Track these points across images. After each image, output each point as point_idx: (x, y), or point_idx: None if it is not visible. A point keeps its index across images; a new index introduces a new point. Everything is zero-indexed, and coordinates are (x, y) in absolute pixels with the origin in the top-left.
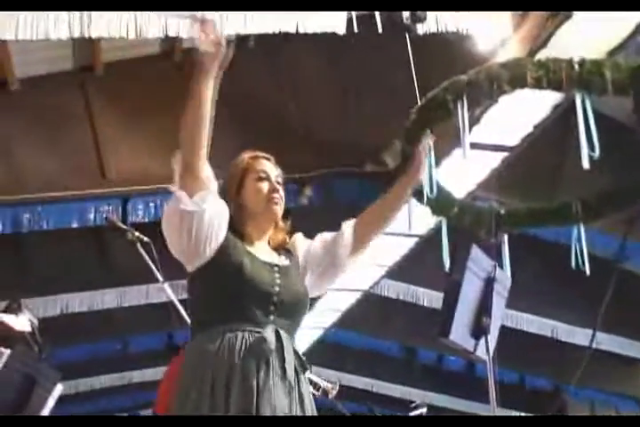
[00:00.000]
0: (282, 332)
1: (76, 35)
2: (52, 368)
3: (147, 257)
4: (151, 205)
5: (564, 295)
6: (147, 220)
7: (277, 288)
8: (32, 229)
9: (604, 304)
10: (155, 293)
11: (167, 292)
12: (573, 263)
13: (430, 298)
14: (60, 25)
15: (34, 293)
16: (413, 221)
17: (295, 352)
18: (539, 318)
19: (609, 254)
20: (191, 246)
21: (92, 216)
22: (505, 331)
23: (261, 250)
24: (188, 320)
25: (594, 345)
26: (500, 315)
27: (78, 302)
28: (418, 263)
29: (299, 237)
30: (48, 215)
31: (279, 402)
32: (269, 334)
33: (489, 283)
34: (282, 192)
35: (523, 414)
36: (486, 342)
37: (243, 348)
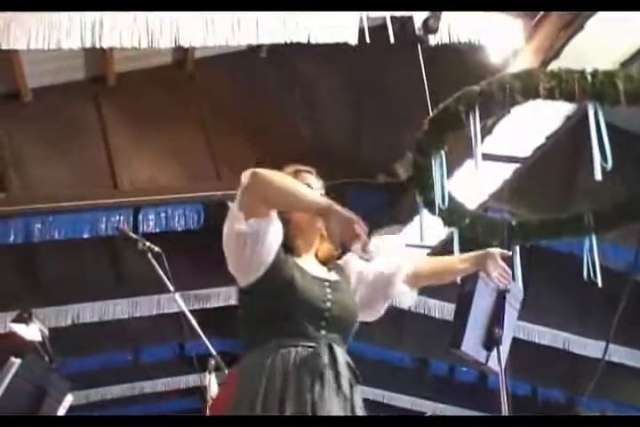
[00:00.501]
0: (335, 346)
1: (88, 45)
2: (62, 378)
3: (158, 267)
4: (162, 215)
5: (575, 307)
6: (158, 230)
7: (329, 303)
8: (43, 238)
9: (617, 316)
10: (166, 303)
11: (178, 302)
12: (585, 275)
13: (442, 309)
14: (72, 35)
15: (45, 303)
16: (425, 232)
17: (348, 365)
18: (550, 330)
19: (621, 266)
20: (245, 264)
21: (103, 226)
22: (516, 343)
23: (310, 264)
24: (200, 332)
25: (606, 357)
26: (512, 327)
27: (89, 312)
28: None
29: (352, 258)
30: (59, 225)
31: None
32: (323, 348)
33: (501, 294)
34: None
35: None
36: (498, 353)
37: (297, 363)
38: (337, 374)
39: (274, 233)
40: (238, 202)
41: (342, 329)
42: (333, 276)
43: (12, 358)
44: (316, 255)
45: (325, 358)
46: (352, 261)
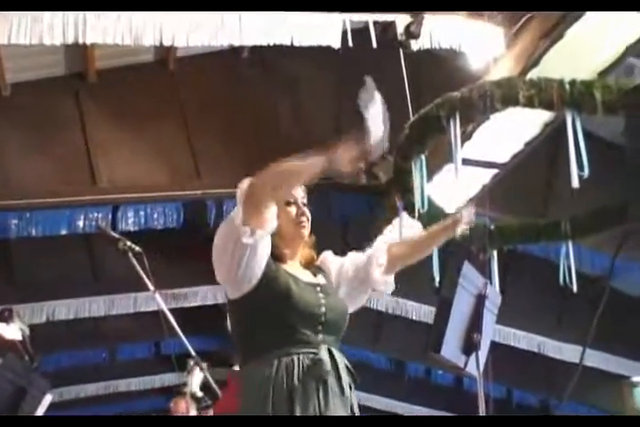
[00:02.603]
0: (333, 350)
1: (71, 41)
2: (42, 378)
3: (138, 267)
4: (141, 213)
5: (551, 312)
6: (136, 228)
7: (323, 308)
8: (20, 235)
9: (594, 322)
10: (143, 301)
11: (158, 301)
12: (561, 280)
13: (420, 312)
14: (54, 30)
15: (20, 299)
16: (404, 234)
17: (347, 368)
18: (526, 334)
19: (597, 272)
20: (239, 276)
21: (81, 223)
22: (493, 346)
23: (299, 270)
24: (179, 331)
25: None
26: (491, 331)
27: (65, 309)
28: (408, 277)
29: (329, 255)
30: (37, 222)
31: None
32: (324, 354)
33: (480, 300)
34: (308, 213)
35: None
36: (477, 358)
37: (301, 371)
38: (339, 379)
39: (267, 245)
40: (241, 215)
41: (336, 332)
42: (321, 280)
43: None
44: (300, 262)
45: (328, 364)
46: (329, 258)
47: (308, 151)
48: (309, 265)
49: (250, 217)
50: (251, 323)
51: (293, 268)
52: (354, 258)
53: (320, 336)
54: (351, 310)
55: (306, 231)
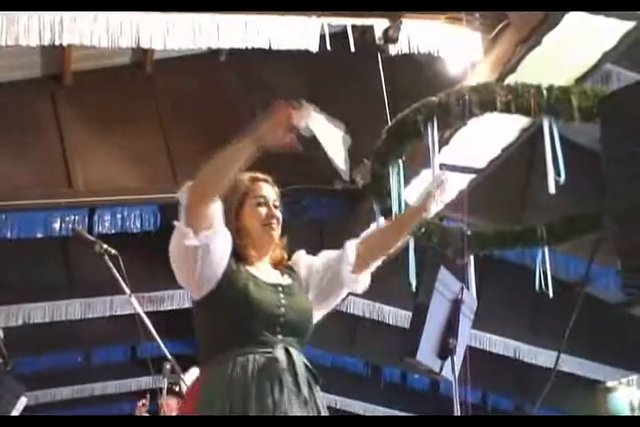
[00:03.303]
0: (291, 349)
1: (47, 42)
2: (16, 381)
3: (114, 270)
4: (118, 216)
5: (527, 317)
6: (113, 231)
7: (283, 309)
8: None
9: (569, 327)
10: (119, 305)
11: (134, 304)
12: (537, 285)
13: (396, 316)
14: (30, 31)
15: None
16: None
17: (306, 366)
18: (502, 339)
19: (572, 277)
20: (197, 278)
21: (57, 226)
22: (468, 350)
23: (263, 271)
24: (155, 335)
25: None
26: (467, 336)
27: (41, 312)
28: (384, 281)
29: (301, 254)
30: (12, 224)
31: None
32: (280, 353)
33: (456, 304)
34: (279, 215)
35: None
36: (452, 363)
37: (256, 370)
38: (295, 377)
39: (222, 245)
40: (184, 218)
41: (298, 332)
42: (286, 280)
43: None
44: (270, 261)
45: (283, 363)
46: (300, 258)
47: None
48: (279, 265)
49: (194, 219)
50: (210, 323)
51: (259, 269)
52: (324, 256)
53: (279, 337)
54: (324, 310)
55: (275, 233)
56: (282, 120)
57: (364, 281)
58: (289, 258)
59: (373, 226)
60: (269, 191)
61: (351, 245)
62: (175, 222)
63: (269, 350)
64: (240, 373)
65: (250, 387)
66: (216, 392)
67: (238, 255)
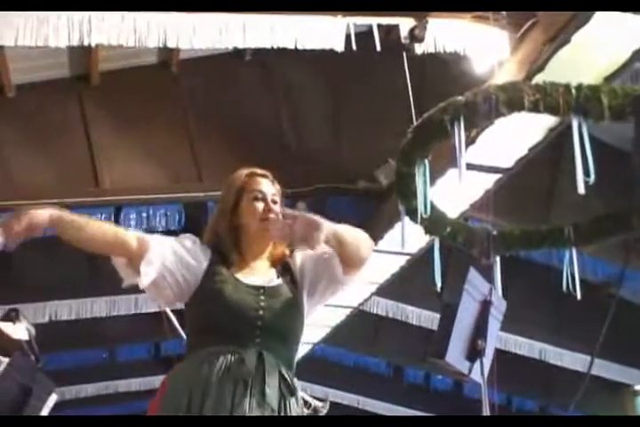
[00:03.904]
0: (266, 354)
1: (76, 42)
2: (47, 378)
3: None
4: (143, 215)
5: (553, 318)
6: (138, 230)
7: (261, 311)
8: None
9: (603, 330)
10: (143, 303)
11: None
12: (564, 287)
13: (419, 317)
14: (59, 32)
15: (23, 299)
16: (407, 239)
17: (281, 375)
18: (527, 340)
19: (600, 279)
20: (178, 296)
21: None
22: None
23: (254, 271)
24: (181, 332)
25: (581, 369)
26: (495, 338)
27: (67, 309)
28: (408, 282)
29: (301, 250)
30: None
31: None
32: (250, 355)
33: (485, 306)
34: (277, 210)
35: None
36: (481, 365)
37: (221, 370)
38: (263, 383)
39: (174, 258)
40: (123, 275)
41: (279, 336)
42: (275, 281)
43: (0, 357)
44: (270, 257)
45: (250, 366)
46: (297, 254)
47: None
48: (279, 261)
49: (134, 265)
50: (192, 325)
51: (247, 270)
52: (321, 251)
53: (257, 340)
54: (321, 303)
55: (272, 228)
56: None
57: (361, 279)
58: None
59: (398, 226)
60: (267, 186)
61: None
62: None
63: (241, 351)
64: (206, 370)
65: (211, 384)
66: (179, 386)
67: (224, 258)
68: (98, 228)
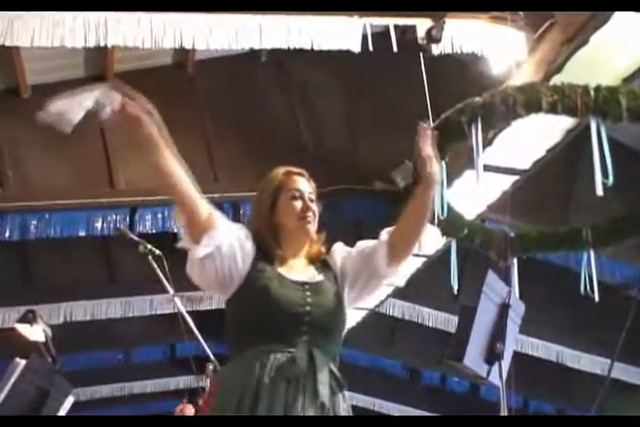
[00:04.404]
0: (316, 351)
1: (92, 43)
2: (65, 379)
3: (158, 270)
4: (159, 216)
5: (570, 321)
6: (154, 231)
7: (308, 307)
8: (39, 236)
9: (624, 333)
10: (159, 304)
11: (177, 304)
12: (582, 289)
13: (435, 318)
14: (75, 33)
15: (38, 300)
16: (423, 240)
17: (331, 371)
18: (544, 343)
19: (617, 281)
20: (219, 283)
21: (99, 225)
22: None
23: (295, 268)
24: (197, 334)
25: (599, 372)
26: (513, 341)
27: (82, 310)
28: (424, 283)
29: (337, 247)
30: (55, 223)
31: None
32: (301, 354)
33: (503, 309)
34: (315, 209)
35: None
36: (499, 368)
37: (273, 369)
38: (315, 381)
39: (236, 242)
40: (184, 238)
41: (326, 332)
42: (317, 277)
43: (17, 359)
44: (307, 257)
45: (302, 364)
46: (337, 251)
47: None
48: (317, 260)
49: (191, 231)
50: (236, 322)
51: (289, 266)
52: (361, 245)
53: (304, 337)
54: (362, 303)
55: (311, 227)
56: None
57: (402, 272)
58: (327, 252)
59: None
60: (304, 185)
61: (384, 235)
62: (179, 245)
63: (291, 349)
64: (257, 370)
65: (264, 385)
66: (230, 388)
67: (267, 255)
68: (179, 167)
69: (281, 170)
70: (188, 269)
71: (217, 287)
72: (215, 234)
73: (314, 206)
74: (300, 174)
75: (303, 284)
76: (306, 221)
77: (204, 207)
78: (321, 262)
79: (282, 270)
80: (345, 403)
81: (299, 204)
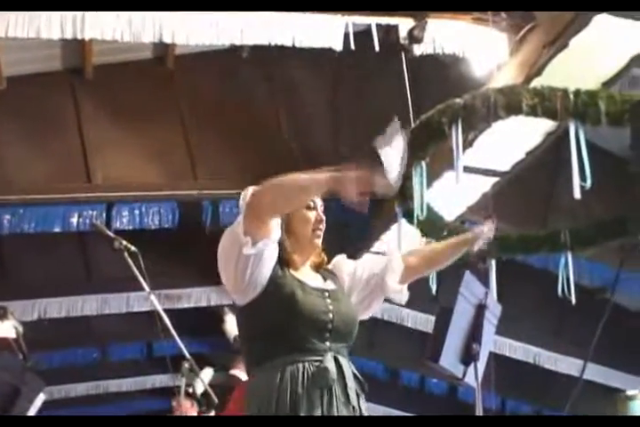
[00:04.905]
0: (340, 358)
1: (69, 36)
2: (36, 377)
3: (134, 267)
4: (136, 212)
5: (548, 323)
6: (131, 227)
7: (331, 315)
8: (13, 231)
9: (597, 335)
10: (136, 301)
11: (153, 302)
12: (560, 291)
13: (415, 319)
14: (52, 25)
15: (11, 296)
16: (403, 241)
17: (354, 376)
18: (522, 345)
19: (596, 284)
20: (245, 285)
21: (75, 221)
22: (488, 355)
23: (308, 275)
24: (173, 332)
25: (576, 374)
26: (490, 342)
27: (57, 307)
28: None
29: (341, 259)
30: (30, 218)
31: None
32: (330, 363)
33: (480, 310)
34: (324, 222)
35: None
36: (475, 369)
37: (305, 379)
38: (345, 387)
39: (273, 252)
40: (243, 226)
41: (346, 338)
42: (330, 285)
43: None
44: (311, 265)
45: (333, 373)
46: (342, 262)
47: (318, 167)
48: (320, 269)
49: (252, 227)
50: (257, 330)
51: (302, 273)
52: (369, 262)
53: (327, 344)
54: (364, 316)
55: (319, 241)
56: (363, 183)
57: (406, 292)
58: (328, 261)
59: (394, 228)
60: (317, 197)
61: (398, 257)
62: (229, 228)
63: (319, 358)
64: (289, 382)
65: (299, 397)
66: (262, 401)
67: (283, 260)
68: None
69: None
70: (223, 253)
71: (241, 288)
72: (269, 244)
73: (324, 220)
74: None
75: (323, 291)
76: (317, 235)
77: (278, 217)
78: (327, 271)
79: (299, 276)
80: (365, 405)
81: (313, 214)
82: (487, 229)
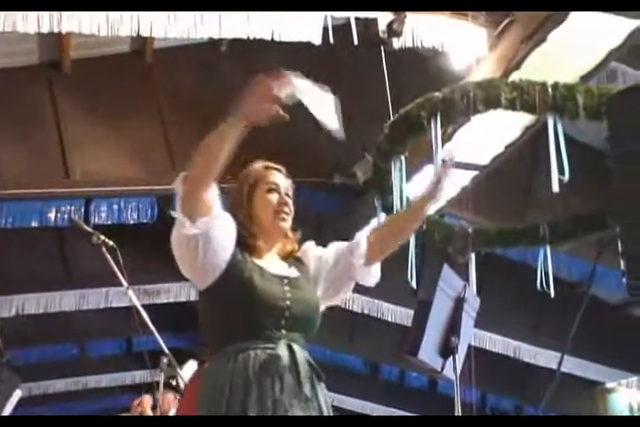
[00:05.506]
0: (294, 346)
1: (45, 30)
2: (12, 372)
3: (112, 262)
4: (114, 207)
5: (528, 316)
6: (109, 222)
7: (288, 302)
8: None
9: (573, 328)
10: (115, 297)
11: (132, 298)
12: (539, 285)
13: (395, 313)
14: (29, 19)
15: None
16: None
17: (309, 363)
18: (502, 338)
19: (575, 277)
20: (200, 267)
21: (52, 216)
22: (468, 349)
23: (271, 262)
24: (152, 328)
25: (554, 366)
26: (468, 335)
27: (35, 303)
28: (384, 278)
29: (310, 246)
30: (8, 213)
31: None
32: (282, 350)
33: (459, 303)
34: (291, 205)
35: None
36: (454, 362)
37: (257, 366)
38: (297, 375)
39: (224, 231)
40: (181, 208)
41: (304, 327)
42: (293, 272)
43: None
44: (279, 253)
45: (285, 360)
46: (310, 249)
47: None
48: (288, 257)
49: (190, 207)
50: (214, 315)
51: (266, 260)
52: (334, 247)
53: (283, 331)
54: (332, 301)
55: (286, 224)
56: (263, 93)
57: (375, 274)
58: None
59: (374, 222)
60: (282, 180)
61: (362, 237)
62: (173, 213)
63: (272, 345)
64: (241, 369)
65: (250, 385)
66: (216, 389)
67: (245, 245)
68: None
69: (259, 164)
70: (173, 241)
71: (196, 271)
72: (211, 220)
73: (290, 202)
74: (278, 170)
75: (282, 278)
76: (280, 216)
77: (213, 190)
78: (294, 259)
79: (260, 263)
80: (324, 393)
81: (275, 197)
82: (442, 171)
